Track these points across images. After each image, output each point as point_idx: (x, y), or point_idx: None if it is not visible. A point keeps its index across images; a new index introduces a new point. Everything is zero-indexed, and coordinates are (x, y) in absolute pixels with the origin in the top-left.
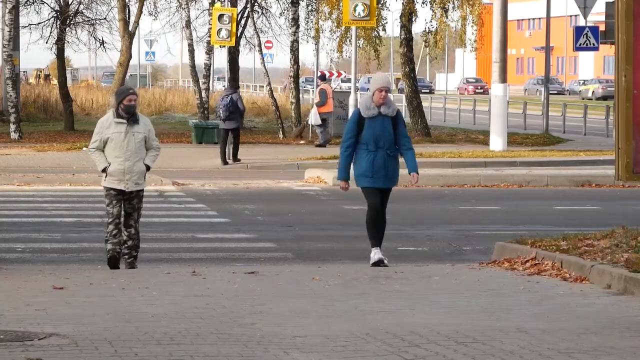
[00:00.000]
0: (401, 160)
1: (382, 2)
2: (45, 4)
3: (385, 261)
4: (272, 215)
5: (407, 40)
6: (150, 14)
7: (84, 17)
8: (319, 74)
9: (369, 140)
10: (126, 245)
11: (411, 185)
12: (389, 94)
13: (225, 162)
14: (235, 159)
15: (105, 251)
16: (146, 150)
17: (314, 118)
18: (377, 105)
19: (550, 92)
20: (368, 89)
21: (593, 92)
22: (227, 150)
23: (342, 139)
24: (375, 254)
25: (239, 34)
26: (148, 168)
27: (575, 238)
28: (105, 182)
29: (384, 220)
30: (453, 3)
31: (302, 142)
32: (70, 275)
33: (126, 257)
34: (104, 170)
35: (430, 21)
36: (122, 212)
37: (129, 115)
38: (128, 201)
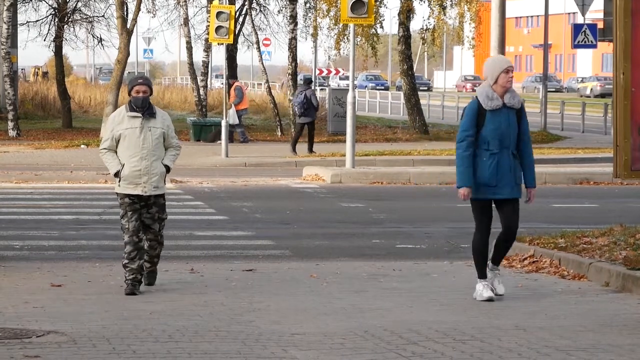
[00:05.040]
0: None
1: None
2: (43, 2)
3: (495, 292)
4: (270, 213)
5: (405, 38)
6: (149, 12)
7: (81, 15)
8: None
9: (492, 138)
10: (147, 254)
11: (528, 201)
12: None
13: (294, 152)
14: (311, 151)
15: (124, 278)
16: (165, 149)
17: (232, 118)
18: (501, 94)
19: (549, 89)
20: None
21: (591, 89)
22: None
23: (458, 138)
24: (484, 289)
25: (237, 32)
26: (168, 169)
27: (574, 236)
28: (118, 188)
29: (513, 238)
30: (451, 0)
31: (218, 142)
32: (68, 273)
33: (148, 265)
34: (116, 175)
35: (428, 18)
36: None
37: (143, 109)
38: (146, 209)
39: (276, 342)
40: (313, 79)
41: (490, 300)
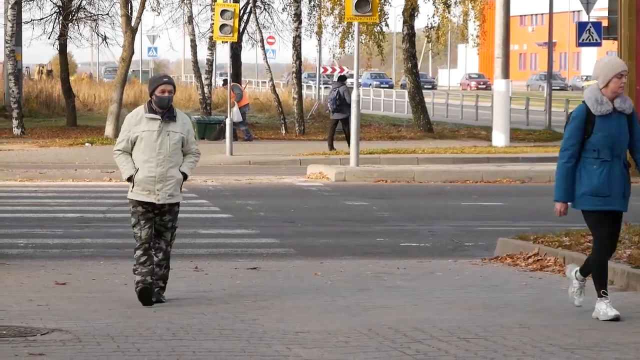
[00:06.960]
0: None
1: None
2: (47, 0)
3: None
4: (275, 211)
5: (410, 36)
6: (153, 10)
7: (86, 13)
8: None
9: (603, 146)
10: (155, 274)
11: None
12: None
13: (332, 148)
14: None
15: (134, 283)
16: (183, 155)
17: (236, 116)
18: (611, 99)
19: (553, 87)
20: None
21: None
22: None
23: (562, 146)
24: (608, 307)
25: (241, 30)
26: (185, 177)
27: (578, 234)
28: (131, 194)
29: (611, 252)
30: None
31: (222, 139)
32: (72, 271)
33: (159, 285)
34: (129, 179)
35: (433, 16)
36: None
37: (164, 110)
38: (159, 217)
39: (280, 340)
40: (318, 77)
41: (616, 319)
